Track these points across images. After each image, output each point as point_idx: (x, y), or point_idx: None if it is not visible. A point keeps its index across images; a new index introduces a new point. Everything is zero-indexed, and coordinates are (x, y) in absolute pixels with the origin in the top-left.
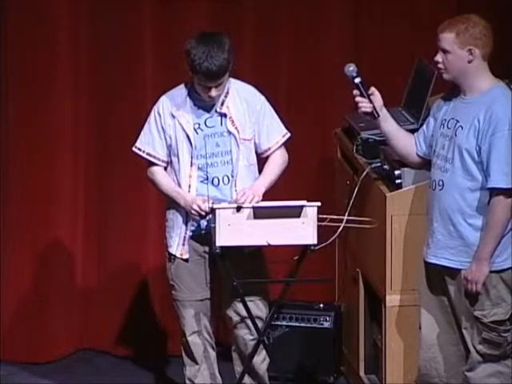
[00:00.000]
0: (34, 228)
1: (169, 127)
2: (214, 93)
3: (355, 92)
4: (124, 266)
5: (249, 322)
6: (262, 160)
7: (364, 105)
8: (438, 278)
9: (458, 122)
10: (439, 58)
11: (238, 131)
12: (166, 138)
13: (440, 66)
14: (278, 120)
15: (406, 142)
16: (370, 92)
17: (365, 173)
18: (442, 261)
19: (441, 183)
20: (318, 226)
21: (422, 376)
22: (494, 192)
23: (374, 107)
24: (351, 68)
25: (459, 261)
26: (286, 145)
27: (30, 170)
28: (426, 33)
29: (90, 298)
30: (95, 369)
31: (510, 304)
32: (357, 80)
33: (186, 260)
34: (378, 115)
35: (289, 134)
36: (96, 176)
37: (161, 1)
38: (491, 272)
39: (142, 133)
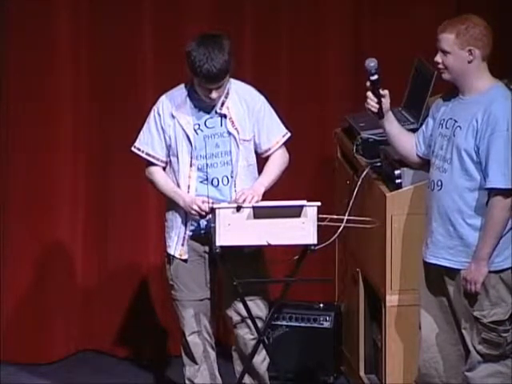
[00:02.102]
0: (34, 228)
1: (168, 127)
2: (214, 95)
3: (367, 85)
4: (124, 266)
5: (249, 321)
6: (262, 160)
7: (372, 104)
8: (437, 278)
9: (456, 122)
10: (439, 58)
11: (237, 132)
12: (165, 138)
13: (440, 66)
14: (278, 120)
15: (406, 143)
16: (383, 93)
17: (365, 173)
18: (441, 261)
19: (439, 183)
20: (318, 226)
21: (422, 376)
22: (493, 192)
23: (381, 108)
24: (372, 64)
25: (458, 261)
26: (286, 145)
27: (30, 170)
28: (426, 33)
29: (90, 298)
30: (95, 369)
31: (509, 304)
32: (374, 77)
33: (185, 260)
34: (383, 116)
35: (289, 134)
36: (96, 176)
37: (161, 1)
38: (490, 272)
39: (142, 133)
